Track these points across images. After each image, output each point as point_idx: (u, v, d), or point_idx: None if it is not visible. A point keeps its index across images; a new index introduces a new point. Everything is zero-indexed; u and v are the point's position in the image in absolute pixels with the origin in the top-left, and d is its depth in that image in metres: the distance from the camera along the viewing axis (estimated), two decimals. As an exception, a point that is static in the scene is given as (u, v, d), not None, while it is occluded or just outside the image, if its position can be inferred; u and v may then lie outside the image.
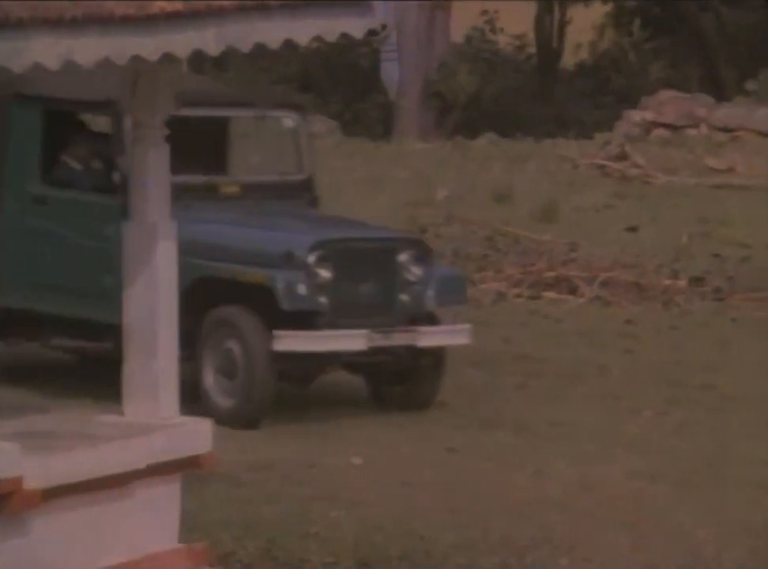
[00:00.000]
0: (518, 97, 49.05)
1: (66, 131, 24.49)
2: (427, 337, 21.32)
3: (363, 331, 21.08)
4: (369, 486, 20.43)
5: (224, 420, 20.67)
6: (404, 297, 21.36)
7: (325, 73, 44.45)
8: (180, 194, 19.50)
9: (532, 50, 52.63)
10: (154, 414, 18.48)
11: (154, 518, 18.31)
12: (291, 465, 21.92)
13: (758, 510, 19.67)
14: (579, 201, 40.50)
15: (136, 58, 18.31)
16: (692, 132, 43.04)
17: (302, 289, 21.30)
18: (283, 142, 22.98)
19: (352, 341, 21.12)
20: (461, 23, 50.00)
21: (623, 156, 39.96)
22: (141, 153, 18.24)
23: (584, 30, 53.00)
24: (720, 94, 42.92)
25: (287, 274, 21.49)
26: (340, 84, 42.88)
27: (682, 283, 32.16)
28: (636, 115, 43.21)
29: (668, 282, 32.76)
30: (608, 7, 52.88)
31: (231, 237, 22.18)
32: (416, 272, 21.31)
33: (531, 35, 52.35)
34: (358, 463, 20.75)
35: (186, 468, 18.96)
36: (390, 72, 36.49)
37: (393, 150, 47.79)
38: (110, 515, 17.68)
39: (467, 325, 21.85)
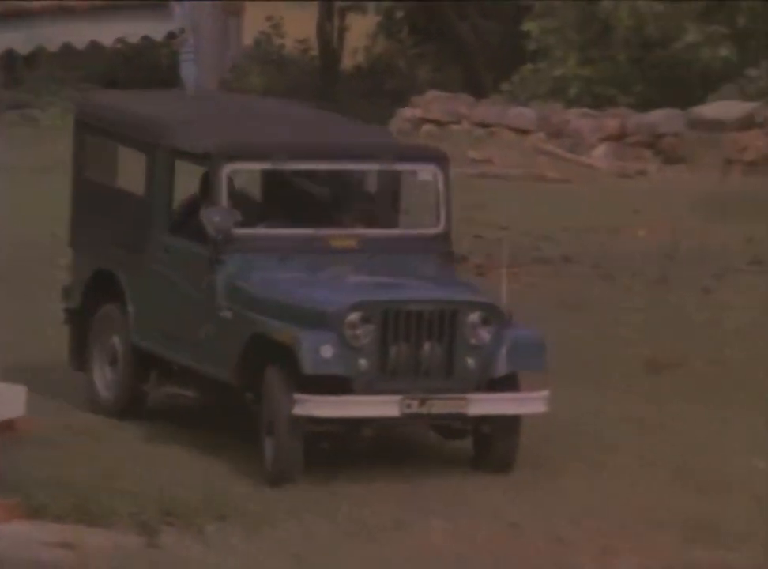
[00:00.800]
0: (303, 95, 46.11)
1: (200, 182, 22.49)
2: (481, 405, 19.46)
3: (396, 397, 19.17)
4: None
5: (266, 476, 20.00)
6: (469, 361, 19.48)
7: (128, 72, 43.19)
8: (280, 246, 20.06)
9: (315, 53, 51.76)
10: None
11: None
12: (103, 427, 21.56)
13: None
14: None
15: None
16: (455, 127, 42.37)
17: (327, 352, 19.40)
18: (417, 194, 21.00)
19: (382, 407, 19.39)
20: (251, 27, 50.01)
21: None
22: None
23: (360, 36, 52.35)
24: (480, 94, 42.92)
25: (314, 335, 19.60)
26: (142, 82, 40.47)
27: (450, 261, 30.56)
28: (407, 113, 42.84)
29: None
30: (380, 17, 51.39)
31: (288, 293, 20.18)
32: (482, 335, 19.43)
33: (314, 40, 51.63)
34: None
35: (1, 431, 19.71)
36: (188, 71, 35.51)
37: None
38: None
39: (543, 393, 19.70)
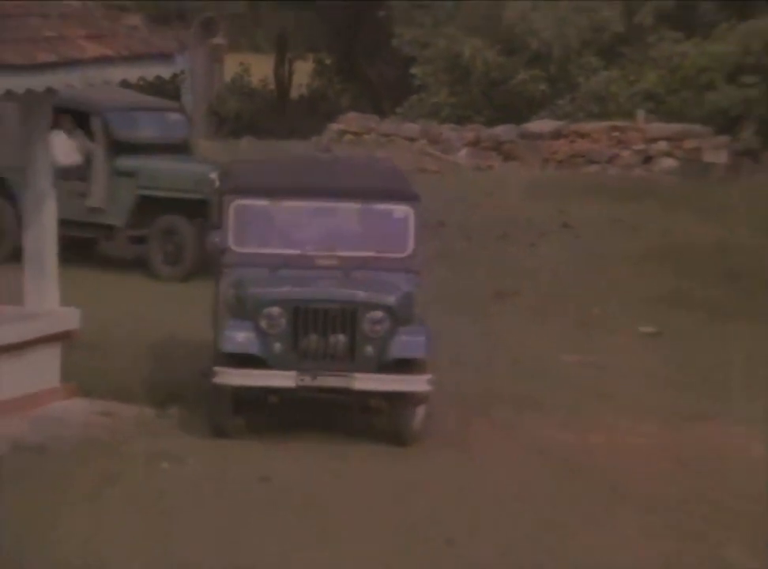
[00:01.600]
0: (265, 115, 48.03)
1: None
2: (365, 382, 18.02)
3: (293, 373, 17.84)
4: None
5: None
6: (367, 349, 18.04)
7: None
8: (274, 262, 18.62)
9: (273, 87, 50.98)
10: (43, 305, 19.30)
11: (42, 372, 19.09)
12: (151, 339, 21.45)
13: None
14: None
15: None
16: (367, 137, 40.78)
17: (242, 337, 18.34)
18: (389, 225, 19.30)
19: (281, 380, 18.05)
20: (229, 69, 49.12)
21: (328, 150, 37.66)
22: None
23: (303, 76, 51.69)
24: (383, 114, 43.04)
25: (235, 322, 18.50)
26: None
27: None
28: (334, 127, 41.13)
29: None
30: (316, 63, 51.15)
31: (245, 293, 18.63)
32: (377, 329, 18.03)
33: (271, 78, 50.89)
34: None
35: (62, 339, 19.37)
36: (187, 99, 36.54)
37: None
38: (8, 371, 18.29)
39: (426, 376, 17.91)
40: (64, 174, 24.12)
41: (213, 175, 21.03)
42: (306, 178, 20.33)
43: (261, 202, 19.08)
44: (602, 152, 38.09)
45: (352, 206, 19.16)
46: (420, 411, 18.11)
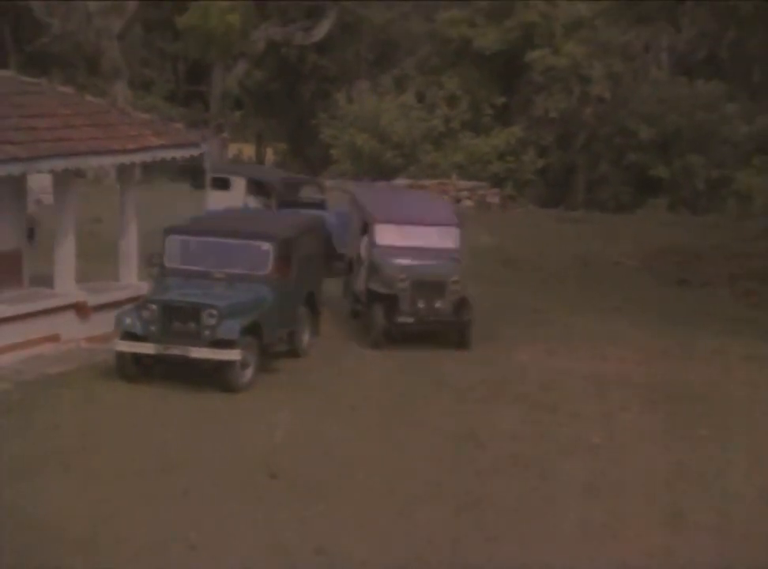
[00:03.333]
0: None
1: None
2: (195, 352, 16.89)
3: (154, 344, 16.98)
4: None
5: None
6: (206, 333, 16.88)
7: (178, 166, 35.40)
8: (185, 276, 17.90)
9: (255, 161, 48.59)
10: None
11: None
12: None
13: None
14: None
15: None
16: None
17: (128, 321, 17.32)
18: (258, 255, 18.08)
19: (149, 348, 16.97)
20: (232, 150, 46.93)
21: None
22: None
23: (271, 155, 49.69)
24: (315, 175, 39.39)
25: (126, 311, 17.70)
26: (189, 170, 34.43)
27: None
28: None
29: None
30: (278, 149, 49.11)
31: (152, 295, 17.99)
32: (211, 322, 16.95)
33: (254, 156, 49.64)
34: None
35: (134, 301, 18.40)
36: (207, 168, 34.95)
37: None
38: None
39: (235, 351, 16.83)
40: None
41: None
42: (222, 223, 19.32)
43: (183, 237, 18.35)
44: (436, 196, 34.18)
45: (235, 241, 18.20)
46: (248, 371, 17.21)
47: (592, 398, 17.52)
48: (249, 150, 49.09)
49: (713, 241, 30.65)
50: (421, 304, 19.73)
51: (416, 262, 19.91)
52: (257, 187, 26.51)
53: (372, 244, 20.16)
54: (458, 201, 37.31)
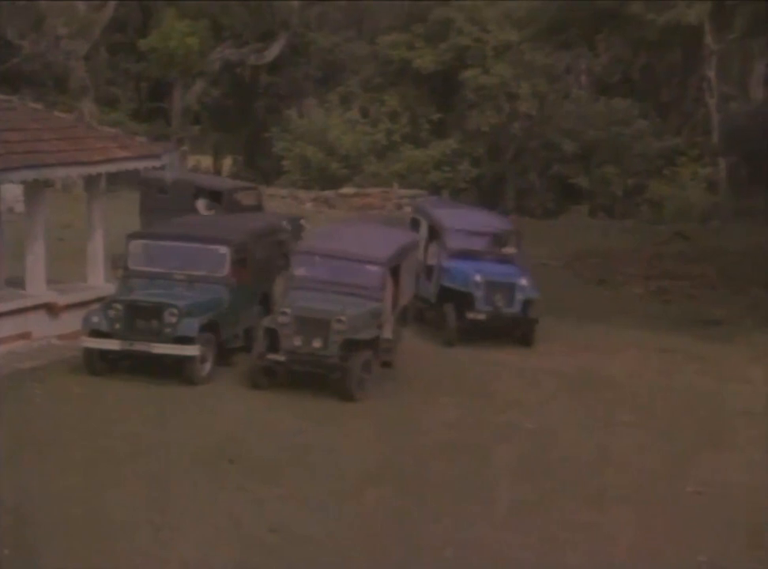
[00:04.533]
0: None
1: None
2: (158, 348, 16.60)
3: (120, 341, 16.69)
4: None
5: None
6: (167, 330, 16.60)
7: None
8: (148, 278, 17.58)
9: (212, 172, 47.18)
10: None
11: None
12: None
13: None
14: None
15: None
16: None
17: (95, 320, 16.96)
18: (215, 258, 17.56)
19: (114, 345, 16.66)
20: (190, 163, 44.87)
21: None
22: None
23: (227, 166, 48.96)
24: (269, 184, 40.08)
25: (93, 311, 17.44)
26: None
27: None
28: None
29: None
30: (234, 161, 48.34)
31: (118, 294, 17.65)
32: (172, 320, 16.61)
33: (212, 168, 48.47)
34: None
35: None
36: (167, 176, 33.46)
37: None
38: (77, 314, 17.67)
39: (193, 347, 16.60)
40: None
41: None
42: (182, 229, 18.83)
43: (146, 242, 18.01)
44: (377, 204, 37.37)
45: (195, 245, 17.84)
46: (207, 365, 16.94)
47: (525, 388, 17.63)
48: (207, 162, 48.24)
49: (629, 244, 30.89)
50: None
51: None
52: (209, 195, 25.95)
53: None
54: (399, 207, 36.97)
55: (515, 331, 19.72)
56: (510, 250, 20.35)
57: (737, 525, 12.53)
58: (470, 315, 19.21)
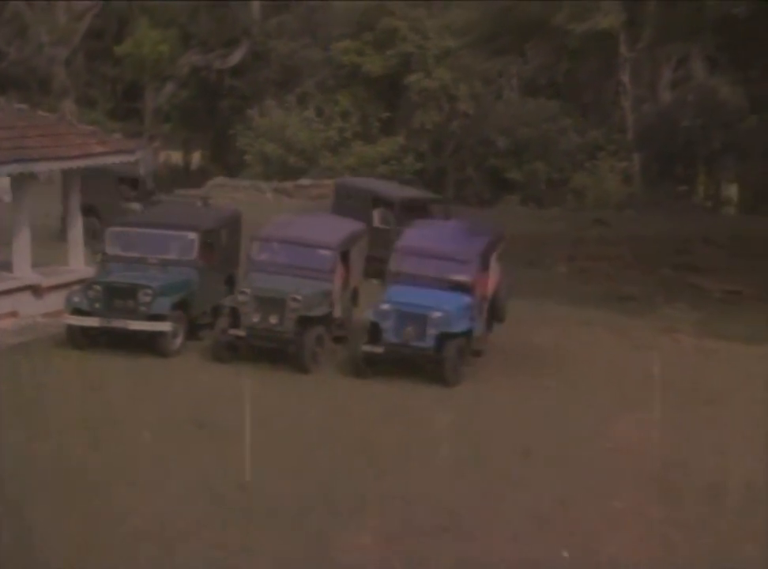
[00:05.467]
0: (181, 178, 42.76)
1: None
2: (133, 325, 16.34)
3: (98, 318, 16.53)
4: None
5: None
6: (142, 308, 16.44)
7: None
8: (124, 262, 17.33)
9: (182, 166, 47.35)
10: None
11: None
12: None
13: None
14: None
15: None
16: (225, 186, 36.44)
17: (76, 299, 16.81)
18: (185, 243, 17.43)
19: (93, 322, 16.51)
20: (162, 158, 45.32)
21: (207, 195, 31.70)
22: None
23: (196, 160, 48.22)
24: (233, 176, 39.93)
25: (74, 291, 17.26)
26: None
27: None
28: (212, 182, 37.10)
29: None
30: (203, 155, 47.79)
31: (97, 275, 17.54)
32: (146, 299, 16.47)
33: (182, 161, 47.73)
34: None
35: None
36: (144, 170, 29.79)
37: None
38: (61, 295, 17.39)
39: (165, 324, 16.43)
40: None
41: None
42: (155, 217, 18.60)
43: (122, 229, 17.77)
44: (331, 194, 32.89)
45: (166, 232, 17.55)
46: (178, 340, 16.76)
47: (461, 358, 17.19)
48: (177, 156, 47.22)
49: (555, 229, 30.75)
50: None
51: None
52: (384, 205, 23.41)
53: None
54: None
55: (427, 366, 16.10)
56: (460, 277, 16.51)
57: (648, 476, 12.68)
58: (365, 348, 15.86)
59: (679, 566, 10.42)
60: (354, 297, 18.33)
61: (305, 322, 16.38)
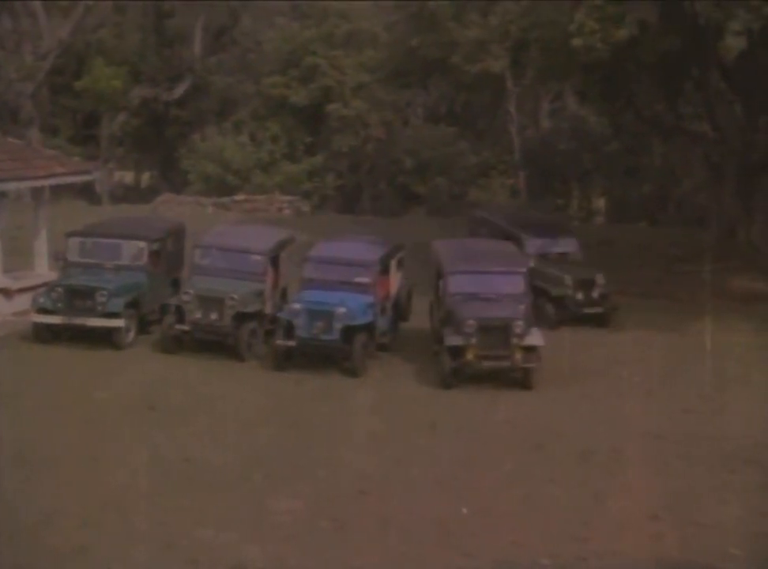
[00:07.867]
0: (133, 195, 41.47)
1: None
2: (91, 321, 15.96)
3: (60, 316, 16.11)
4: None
5: None
6: (99, 307, 16.01)
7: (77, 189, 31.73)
8: (83, 267, 16.89)
9: (133, 184, 45.32)
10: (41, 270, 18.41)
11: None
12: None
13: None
14: None
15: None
16: (170, 202, 34.61)
17: (42, 300, 16.39)
18: (136, 251, 17.22)
19: (58, 319, 16.11)
20: (116, 178, 43.93)
21: (155, 210, 31.70)
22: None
23: (146, 179, 46.56)
24: (178, 193, 37.97)
25: (40, 293, 16.68)
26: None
27: None
28: (160, 198, 35.18)
29: None
30: (152, 175, 45.89)
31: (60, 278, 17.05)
32: (102, 299, 16.17)
33: (133, 180, 46.14)
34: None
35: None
36: (99, 189, 31.75)
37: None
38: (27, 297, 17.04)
39: (117, 322, 15.97)
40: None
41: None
42: (109, 228, 17.93)
43: (80, 239, 17.38)
44: (264, 207, 34.84)
45: (120, 241, 17.29)
46: (131, 334, 16.41)
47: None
48: (129, 176, 45.99)
49: (455, 236, 31.05)
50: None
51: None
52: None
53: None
54: (280, 210, 35.45)
55: (336, 359, 15.65)
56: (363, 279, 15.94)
57: (535, 443, 12.73)
58: (280, 342, 15.51)
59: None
60: (283, 296, 18.04)
61: (241, 318, 16.26)
